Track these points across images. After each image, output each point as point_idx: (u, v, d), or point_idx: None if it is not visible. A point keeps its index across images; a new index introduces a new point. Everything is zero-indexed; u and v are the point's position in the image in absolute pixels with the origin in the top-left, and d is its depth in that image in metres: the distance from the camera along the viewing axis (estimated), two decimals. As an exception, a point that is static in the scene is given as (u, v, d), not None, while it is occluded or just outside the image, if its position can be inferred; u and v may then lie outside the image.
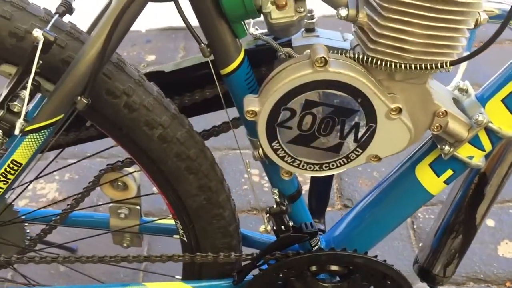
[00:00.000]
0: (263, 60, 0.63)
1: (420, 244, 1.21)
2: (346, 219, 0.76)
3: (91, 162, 1.37)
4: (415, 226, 1.26)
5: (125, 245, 0.85)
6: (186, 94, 0.68)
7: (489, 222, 1.24)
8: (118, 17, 0.50)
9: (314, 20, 0.63)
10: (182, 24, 0.56)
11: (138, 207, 0.81)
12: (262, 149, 0.59)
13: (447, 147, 0.62)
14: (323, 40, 0.62)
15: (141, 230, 0.81)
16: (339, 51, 0.56)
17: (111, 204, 0.81)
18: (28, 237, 0.82)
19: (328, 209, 1.34)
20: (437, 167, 0.65)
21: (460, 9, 0.50)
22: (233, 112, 0.65)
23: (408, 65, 0.53)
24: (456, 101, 0.63)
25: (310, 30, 0.63)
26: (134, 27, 0.54)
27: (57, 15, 0.54)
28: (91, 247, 1.11)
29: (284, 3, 0.53)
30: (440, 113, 0.59)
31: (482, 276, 1.14)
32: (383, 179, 0.72)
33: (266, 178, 1.34)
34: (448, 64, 0.52)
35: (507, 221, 1.24)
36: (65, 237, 1.11)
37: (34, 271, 1.03)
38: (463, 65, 0.66)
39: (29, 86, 0.50)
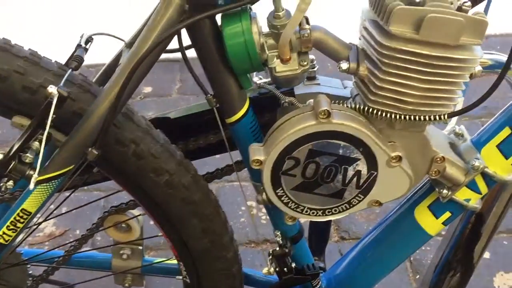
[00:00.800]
0: (266, 107, 0.65)
1: (417, 277, 1.22)
2: (346, 259, 0.77)
3: (89, 195, 1.37)
4: (411, 258, 1.27)
5: (126, 285, 0.85)
6: (191, 139, 0.69)
7: (485, 254, 1.26)
8: (132, 71, 0.52)
9: (315, 69, 0.65)
10: (178, 56, 0.57)
11: (140, 247, 0.82)
12: (267, 195, 0.60)
13: (445, 191, 0.64)
14: (324, 88, 0.64)
15: (143, 271, 0.82)
16: (341, 102, 0.58)
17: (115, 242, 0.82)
18: (30, 278, 0.82)
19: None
20: (436, 209, 0.67)
21: (457, 65, 0.52)
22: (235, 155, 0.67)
23: (407, 116, 0.55)
24: (452, 145, 0.65)
25: (311, 78, 0.65)
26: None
27: (70, 70, 0.56)
28: (90, 283, 1.11)
29: (288, 57, 0.56)
30: (438, 159, 0.61)
31: (479, 308, 1.15)
32: (383, 219, 0.74)
33: (264, 210, 1.34)
34: (446, 116, 0.54)
35: (502, 252, 1.26)
36: (64, 273, 1.11)
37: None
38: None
39: (44, 140, 0.52)
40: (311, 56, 0.60)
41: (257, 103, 0.64)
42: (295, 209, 0.60)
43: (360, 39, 0.57)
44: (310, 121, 0.55)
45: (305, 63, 0.57)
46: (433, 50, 0.52)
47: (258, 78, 0.64)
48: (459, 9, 0.52)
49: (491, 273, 1.21)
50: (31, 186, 0.53)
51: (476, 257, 0.77)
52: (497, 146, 0.62)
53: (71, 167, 0.56)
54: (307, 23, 0.56)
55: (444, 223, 0.68)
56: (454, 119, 0.69)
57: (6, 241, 0.61)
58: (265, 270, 0.70)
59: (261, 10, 0.57)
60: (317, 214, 0.61)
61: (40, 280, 0.81)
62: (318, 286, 0.75)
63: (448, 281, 0.78)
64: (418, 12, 0.50)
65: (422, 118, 0.55)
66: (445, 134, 0.67)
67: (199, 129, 0.69)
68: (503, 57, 0.66)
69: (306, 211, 0.61)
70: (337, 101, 0.58)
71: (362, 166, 0.58)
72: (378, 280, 0.75)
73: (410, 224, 0.69)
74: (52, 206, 0.66)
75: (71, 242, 0.78)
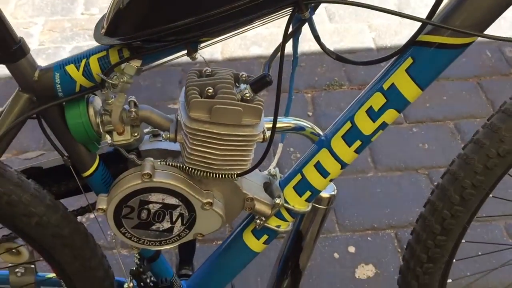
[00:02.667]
0: (120, 159, 0.82)
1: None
2: (201, 269, 0.96)
3: None
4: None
5: (24, 296, 1.01)
6: (63, 183, 0.86)
7: (350, 248, 1.49)
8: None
9: (157, 129, 0.82)
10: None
11: (32, 266, 0.98)
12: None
13: (258, 221, 0.83)
14: (164, 144, 0.81)
15: (37, 285, 0.98)
16: (170, 161, 0.76)
17: (9, 264, 0.97)
18: None
19: (220, 242, 1.55)
20: (257, 233, 0.86)
21: (242, 139, 0.71)
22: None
23: (213, 174, 0.74)
24: (267, 184, 0.85)
25: (156, 135, 0.83)
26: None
27: None
28: None
29: (121, 130, 0.73)
30: (248, 199, 0.80)
31: (340, 295, 1.38)
32: (225, 240, 0.93)
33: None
34: (235, 175, 0.73)
35: (365, 247, 1.49)
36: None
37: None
38: (276, 156, 0.88)
39: None
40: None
41: (113, 156, 0.81)
42: (137, 241, 0.79)
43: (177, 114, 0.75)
44: (137, 180, 0.73)
45: (136, 134, 0.74)
46: (222, 129, 0.70)
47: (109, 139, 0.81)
48: (242, 99, 0.70)
49: (354, 265, 1.45)
50: None
51: (302, 264, 0.98)
52: (293, 187, 0.82)
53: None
54: (135, 106, 0.73)
55: (265, 243, 0.87)
56: (275, 161, 0.89)
57: None
58: (125, 285, 0.88)
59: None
60: (155, 245, 0.79)
61: None
62: (179, 290, 0.94)
63: (283, 281, 0.99)
64: (208, 103, 0.68)
65: (223, 176, 0.74)
66: (263, 175, 0.86)
67: (69, 175, 0.85)
68: (302, 122, 0.86)
69: (146, 243, 0.79)
70: (167, 159, 0.76)
71: (183, 210, 0.76)
72: (225, 284, 0.94)
73: (240, 244, 0.88)
74: None
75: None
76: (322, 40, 0.71)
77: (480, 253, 1.33)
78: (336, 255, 1.47)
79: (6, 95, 2.26)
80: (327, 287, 1.39)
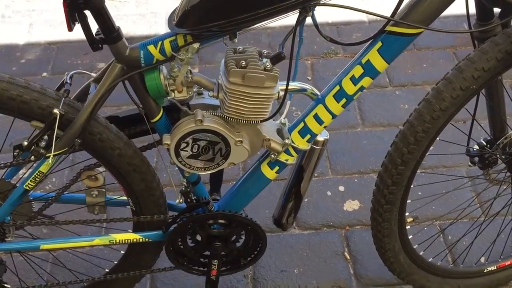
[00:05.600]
0: (177, 109, 1.15)
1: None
2: (227, 193, 1.31)
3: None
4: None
5: (95, 213, 1.36)
6: (133, 127, 1.19)
7: (340, 188, 1.84)
8: (97, 102, 1.01)
9: (201, 89, 1.15)
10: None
11: (103, 190, 1.32)
12: (173, 161, 1.12)
13: (272, 155, 1.17)
14: (207, 100, 1.14)
15: (106, 204, 1.33)
16: (212, 111, 1.09)
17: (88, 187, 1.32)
18: (34, 210, 1.31)
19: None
20: (271, 165, 1.21)
21: (264, 97, 1.04)
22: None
23: (243, 121, 1.07)
24: (279, 130, 1.18)
25: (200, 93, 1.16)
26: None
27: (63, 98, 1.04)
28: (73, 213, 1.58)
29: (181, 90, 1.06)
30: (266, 140, 1.14)
31: (331, 223, 1.74)
32: (247, 170, 1.27)
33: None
34: (259, 121, 1.06)
35: (352, 187, 1.84)
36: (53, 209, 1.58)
37: (32, 231, 1.50)
38: (286, 110, 1.21)
39: (54, 137, 1.01)
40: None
41: (172, 107, 1.14)
42: (189, 168, 1.13)
43: (219, 79, 1.07)
44: (191, 124, 1.06)
45: (190, 93, 1.07)
46: (251, 90, 1.03)
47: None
48: (265, 69, 1.03)
49: (343, 200, 1.79)
50: (50, 160, 1.02)
51: (302, 191, 1.32)
52: (298, 132, 1.16)
53: (65, 149, 1.06)
54: (191, 73, 1.05)
55: (276, 172, 1.22)
56: (284, 114, 1.22)
57: (30, 188, 1.11)
58: (177, 200, 1.23)
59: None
60: (201, 170, 1.14)
61: (40, 210, 1.31)
62: (211, 208, 1.29)
63: (288, 204, 1.34)
64: (242, 72, 1.01)
65: (250, 122, 1.07)
66: (276, 123, 1.19)
67: (139, 121, 1.18)
68: (304, 85, 1.18)
69: (195, 169, 1.13)
70: (211, 110, 1.09)
71: (222, 145, 1.10)
72: (244, 205, 1.29)
73: (259, 173, 1.22)
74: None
75: (60, 188, 1.27)
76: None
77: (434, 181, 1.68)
78: (329, 193, 1.82)
79: (46, 59, 2.68)
80: (321, 216, 1.75)
